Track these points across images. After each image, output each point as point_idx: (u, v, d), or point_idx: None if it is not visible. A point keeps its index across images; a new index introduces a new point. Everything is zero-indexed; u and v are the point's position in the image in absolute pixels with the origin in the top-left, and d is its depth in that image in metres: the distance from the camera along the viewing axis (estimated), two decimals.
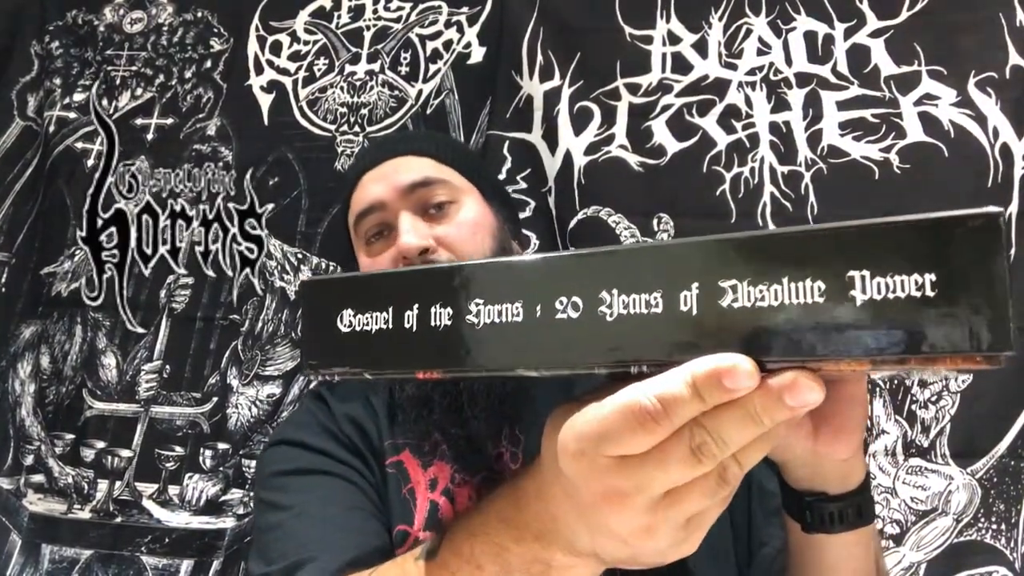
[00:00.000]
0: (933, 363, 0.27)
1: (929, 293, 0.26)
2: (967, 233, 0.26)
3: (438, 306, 0.36)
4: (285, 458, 0.73)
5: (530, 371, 0.35)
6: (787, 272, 0.29)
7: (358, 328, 0.38)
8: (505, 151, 1.14)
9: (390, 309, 0.37)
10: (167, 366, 1.16)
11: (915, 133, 1.03)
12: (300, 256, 1.17)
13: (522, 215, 1.10)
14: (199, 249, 1.20)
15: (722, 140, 1.08)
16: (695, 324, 0.31)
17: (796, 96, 1.08)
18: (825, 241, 0.29)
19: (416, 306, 0.37)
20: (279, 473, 0.72)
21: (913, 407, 0.98)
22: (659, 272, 0.32)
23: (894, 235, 0.27)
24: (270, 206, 1.20)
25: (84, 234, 1.23)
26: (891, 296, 0.27)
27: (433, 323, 0.36)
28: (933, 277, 0.26)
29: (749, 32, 1.11)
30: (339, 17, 1.26)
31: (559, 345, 0.33)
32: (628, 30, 1.14)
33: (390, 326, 0.37)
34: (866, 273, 0.27)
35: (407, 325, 0.37)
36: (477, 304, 0.35)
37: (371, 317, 0.38)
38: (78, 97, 1.29)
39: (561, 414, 0.36)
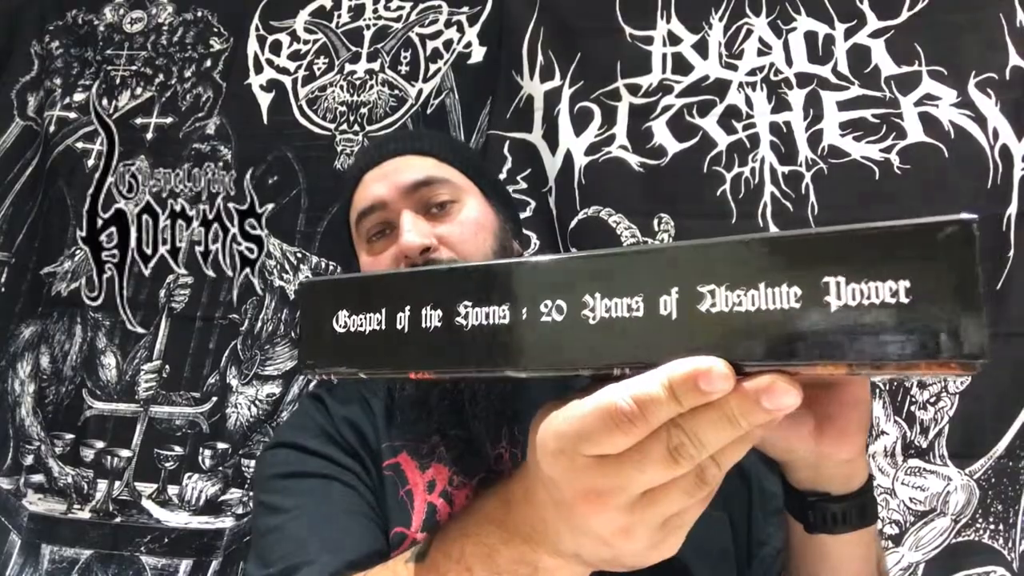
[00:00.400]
0: (908, 369, 0.27)
1: (903, 299, 0.27)
2: (941, 240, 0.26)
3: (428, 308, 0.37)
4: (284, 461, 0.73)
5: (517, 372, 0.35)
6: (765, 277, 0.29)
7: (353, 329, 0.39)
8: (505, 151, 1.14)
9: (383, 311, 0.38)
10: (166, 366, 1.16)
11: (915, 133, 1.03)
12: (300, 255, 1.17)
13: (522, 215, 1.10)
14: (199, 249, 1.20)
15: (722, 140, 1.08)
16: (674, 328, 0.31)
17: (796, 96, 1.08)
18: (801, 247, 0.29)
19: (408, 308, 0.37)
20: (277, 476, 0.72)
21: (912, 408, 0.98)
22: (641, 276, 0.32)
23: (869, 242, 0.28)
24: (270, 206, 1.20)
25: (84, 234, 1.23)
26: (866, 302, 0.27)
27: (424, 324, 0.37)
28: (908, 284, 0.27)
29: (749, 32, 1.11)
30: (339, 16, 1.26)
31: (544, 347, 0.34)
32: (628, 30, 1.14)
33: (383, 327, 0.38)
34: (841, 279, 0.28)
35: (399, 326, 0.38)
36: (465, 306, 0.36)
37: (365, 318, 0.39)
38: (78, 97, 1.29)
39: (544, 414, 0.36)
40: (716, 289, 0.30)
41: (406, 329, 0.37)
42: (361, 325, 0.39)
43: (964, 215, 0.26)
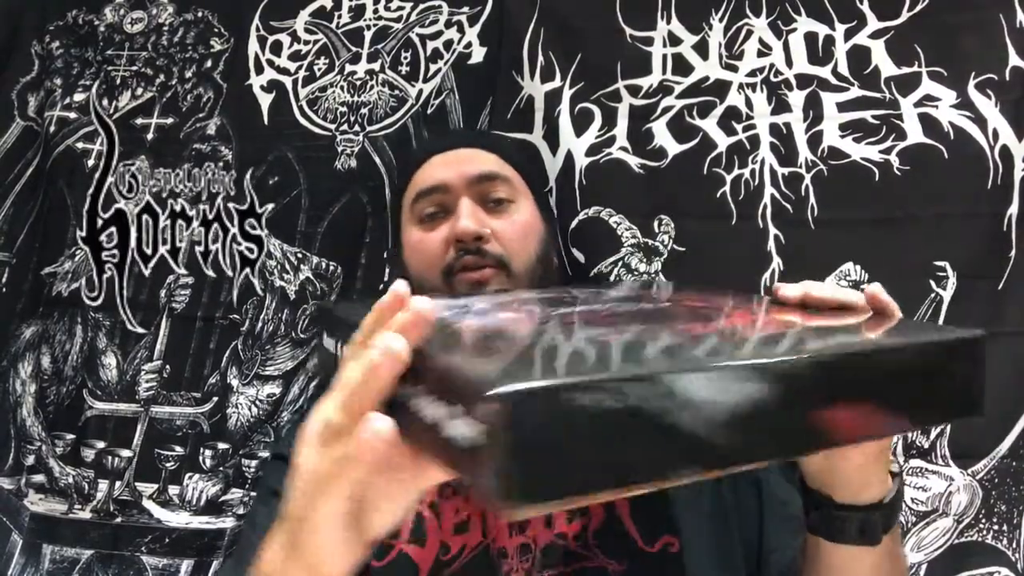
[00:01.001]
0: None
1: (479, 442, 0.30)
2: (493, 407, 0.29)
3: (330, 336, 0.52)
4: (274, 474, 0.76)
5: None
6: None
7: (324, 345, 0.55)
8: None
9: (335, 336, 0.52)
10: (167, 366, 1.16)
11: (915, 135, 1.03)
12: (300, 255, 1.17)
13: None
14: (199, 249, 1.20)
15: (722, 142, 1.08)
16: None
17: (796, 98, 1.08)
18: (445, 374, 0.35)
19: (337, 334, 0.51)
20: (267, 490, 0.76)
21: None
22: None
23: (459, 383, 0.32)
24: (270, 206, 1.20)
25: (84, 234, 1.23)
26: (454, 433, 0.31)
27: (333, 351, 0.51)
28: (483, 429, 0.30)
29: (750, 33, 1.11)
30: (339, 17, 1.26)
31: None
32: (629, 31, 1.14)
33: (332, 350, 0.52)
34: (449, 408, 0.32)
35: (333, 351, 0.51)
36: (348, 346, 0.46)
37: (327, 340, 0.54)
38: (78, 97, 1.29)
39: None
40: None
41: (332, 350, 0.51)
42: (327, 343, 0.53)
43: (527, 387, 0.29)
